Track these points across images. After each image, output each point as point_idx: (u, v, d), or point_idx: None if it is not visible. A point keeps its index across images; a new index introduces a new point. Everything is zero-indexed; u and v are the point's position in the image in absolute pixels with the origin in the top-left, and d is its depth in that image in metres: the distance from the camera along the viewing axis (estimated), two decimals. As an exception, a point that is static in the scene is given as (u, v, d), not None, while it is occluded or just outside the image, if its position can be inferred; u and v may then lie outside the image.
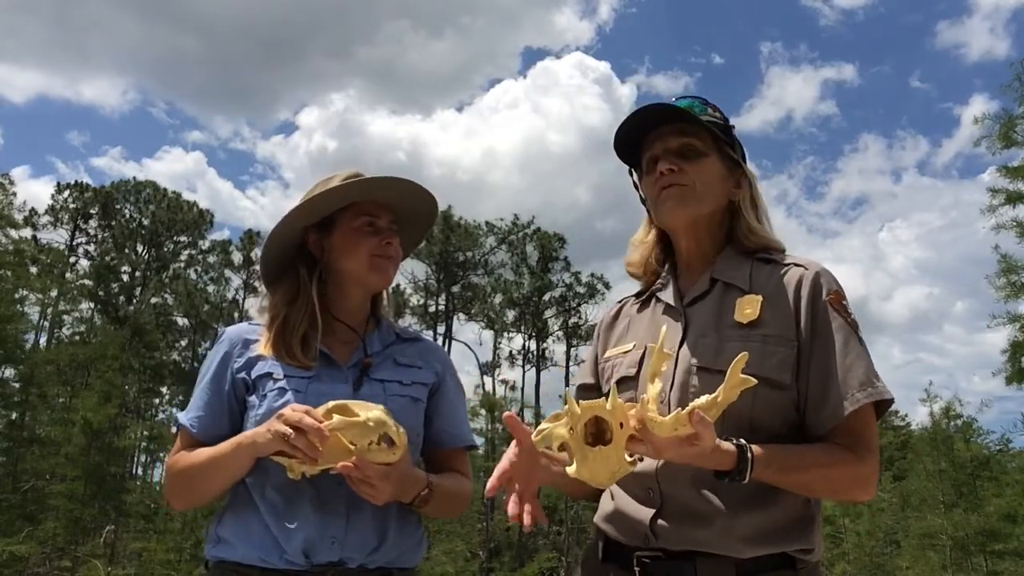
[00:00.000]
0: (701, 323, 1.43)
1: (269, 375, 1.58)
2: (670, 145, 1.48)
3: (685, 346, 1.42)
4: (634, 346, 1.52)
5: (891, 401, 1.33)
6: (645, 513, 1.37)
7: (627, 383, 1.48)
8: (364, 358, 1.63)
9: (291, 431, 1.37)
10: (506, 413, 1.33)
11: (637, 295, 1.64)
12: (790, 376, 1.33)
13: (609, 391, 1.18)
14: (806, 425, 1.35)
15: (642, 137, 1.54)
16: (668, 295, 1.52)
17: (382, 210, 1.67)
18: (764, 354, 1.32)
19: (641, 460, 1.21)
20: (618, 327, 1.62)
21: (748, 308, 1.38)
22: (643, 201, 1.61)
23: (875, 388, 1.31)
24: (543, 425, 1.21)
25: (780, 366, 1.33)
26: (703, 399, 1.13)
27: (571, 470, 1.16)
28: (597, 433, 1.16)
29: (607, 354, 1.58)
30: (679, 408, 1.13)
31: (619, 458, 1.14)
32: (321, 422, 1.37)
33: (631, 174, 1.62)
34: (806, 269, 1.41)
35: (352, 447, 1.38)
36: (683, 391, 1.37)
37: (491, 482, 1.29)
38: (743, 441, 1.23)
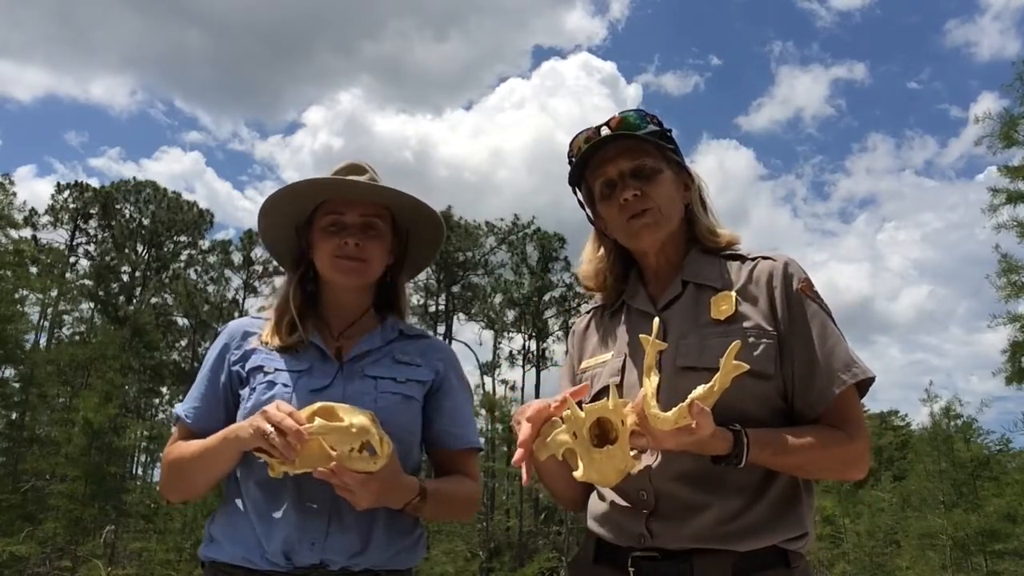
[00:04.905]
0: (679, 325, 1.43)
1: (260, 368, 1.58)
2: (623, 168, 1.47)
3: (667, 350, 1.41)
4: (612, 355, 1.51)
5: (873, 379, 1.38)
6: (639, 514, 1.38)
7: (608, 392, 1.47)
8: (358, 351, 1.62)
9: (271, 429, 1.35)
10: (571, 390, 1.27)
11: (605, 306, 1.62)
12: (773, 366, 1.37)
13: (607, 392, 1.22)
14: (795, 411, 1.39)
15: (587, 158, 1.51)
16: (640, 302, 1.52)
17: (351, 206, 1.60)
18: (746, 347, 1.34)
19: (643, 454, 1.25)
20: (591, 337, 1.60)
21: (724, 304, 1.41)
22: (590, 220, 1.60)
23: (858, 367, 1.37)
24: (549, 434, 1.22)
25: (763, 357, 1.36)
26: (700, 389, 1.16)
27: (578, 474, 1.19)
28: (601, 435, 1.20)
29: (584, 364, 1.56)
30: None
31: (624, 455, 1.18)
32: (304, 424, 1.36)
33: (575, 192, 1.59)
34: (775, 261, 1.45)
35: (332, 452, 1.36)
36: (671, 393, 1.36)
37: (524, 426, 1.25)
38: (738, 426, 1.27)
